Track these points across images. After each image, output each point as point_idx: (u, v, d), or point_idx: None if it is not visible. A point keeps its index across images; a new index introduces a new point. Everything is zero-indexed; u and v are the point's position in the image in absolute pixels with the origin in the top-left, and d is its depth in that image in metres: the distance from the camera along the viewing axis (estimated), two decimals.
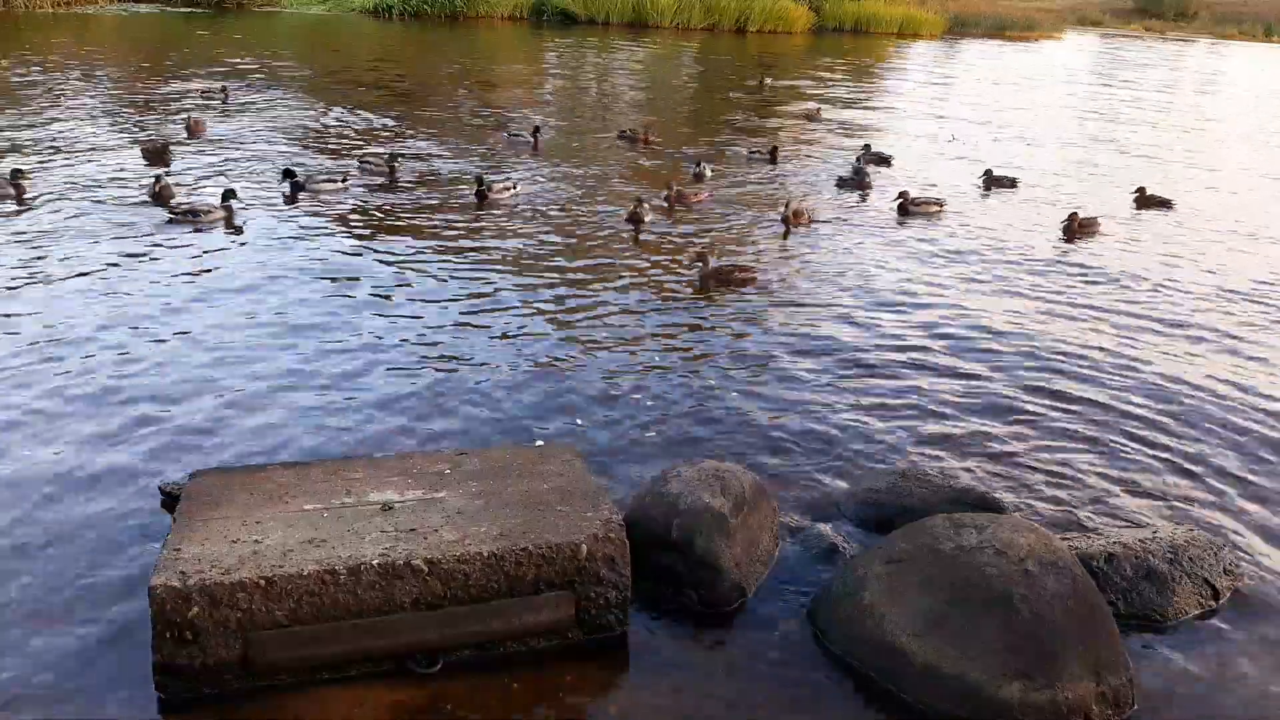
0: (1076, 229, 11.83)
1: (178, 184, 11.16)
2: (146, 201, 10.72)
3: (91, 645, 4.19)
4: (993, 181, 14.09)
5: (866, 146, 15.45)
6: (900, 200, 12.21)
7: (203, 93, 17.76)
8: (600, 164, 14.26)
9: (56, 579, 4.58)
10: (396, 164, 12.56)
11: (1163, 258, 11.11)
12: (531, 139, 15.05)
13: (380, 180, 12.21)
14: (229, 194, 10.46)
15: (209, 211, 10.19)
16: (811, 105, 20.79)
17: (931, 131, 19.14)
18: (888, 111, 21.59)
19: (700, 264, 9.23)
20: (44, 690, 3.95)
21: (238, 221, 10.24)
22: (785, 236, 10.85)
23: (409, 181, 12.32)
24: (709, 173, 13.37)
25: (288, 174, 11.61)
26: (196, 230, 9.85)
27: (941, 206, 12.44)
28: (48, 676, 4.01)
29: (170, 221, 10.02)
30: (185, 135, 14.37)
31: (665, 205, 11.55)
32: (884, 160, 14.96)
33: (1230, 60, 45.11)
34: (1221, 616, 4.78)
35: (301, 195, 11.28)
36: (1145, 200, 12.65)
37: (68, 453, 5.64)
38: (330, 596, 3.91)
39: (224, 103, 17.16)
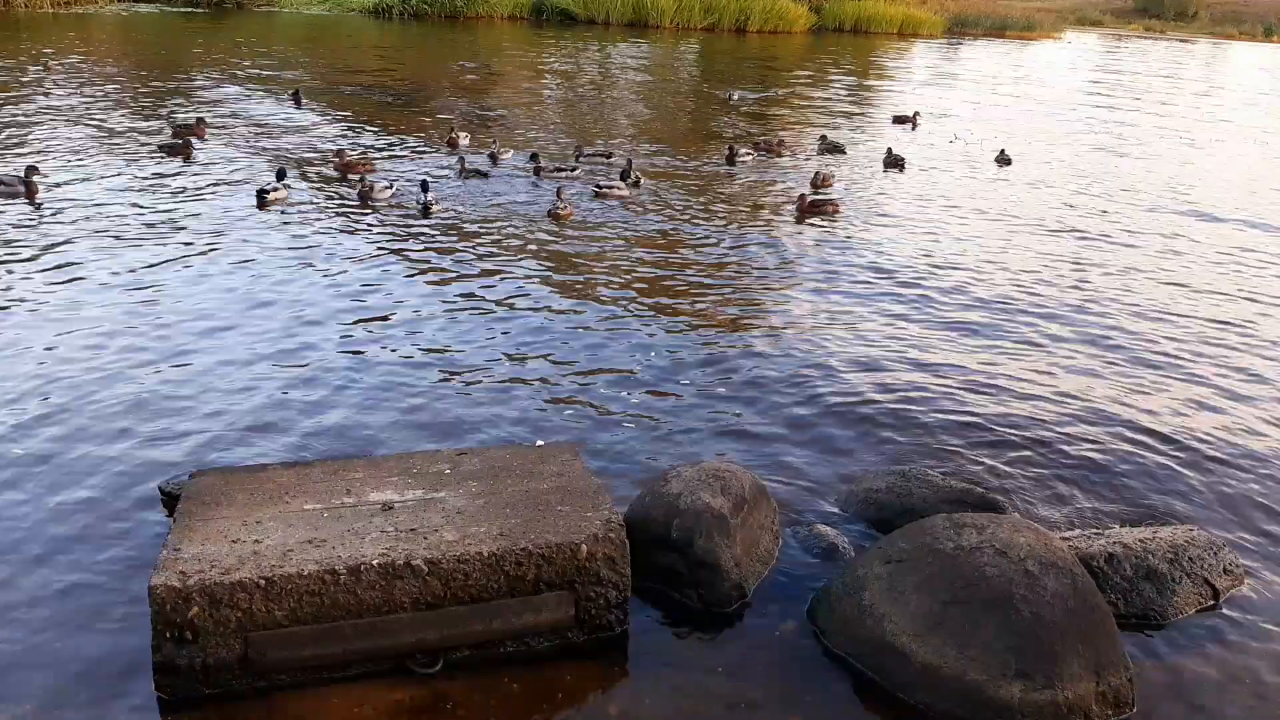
0: (806, 209, 11.88)
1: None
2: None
3: (91, 645, 4.19)
4: (892, 163, 15.04)
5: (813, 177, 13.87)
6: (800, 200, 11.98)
7: (279, 98, 17.84)
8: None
9: (56, 579, 4.58)
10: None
11: (1185, 257, 11.14)
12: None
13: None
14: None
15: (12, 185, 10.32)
16: (908, 112, 20.13)
17: (937, 131, 19.15)
18: (888, 112, 21.58)
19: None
20: (44, 690, 3.94)
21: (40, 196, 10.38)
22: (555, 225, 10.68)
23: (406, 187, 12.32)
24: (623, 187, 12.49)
25: (424, 186, 11.28)
26: (203, 231, 9.87)
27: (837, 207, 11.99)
28: (47, 676, 4.01)
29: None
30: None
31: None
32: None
33: (1225, 63, 45.06)
34: (1221, 616, 4.77)
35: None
36: (807, 208, 11.82)
37: (67, 453, 5.63)
38: (330, 596, 3.91)
39: (297, 106, 17.20)
